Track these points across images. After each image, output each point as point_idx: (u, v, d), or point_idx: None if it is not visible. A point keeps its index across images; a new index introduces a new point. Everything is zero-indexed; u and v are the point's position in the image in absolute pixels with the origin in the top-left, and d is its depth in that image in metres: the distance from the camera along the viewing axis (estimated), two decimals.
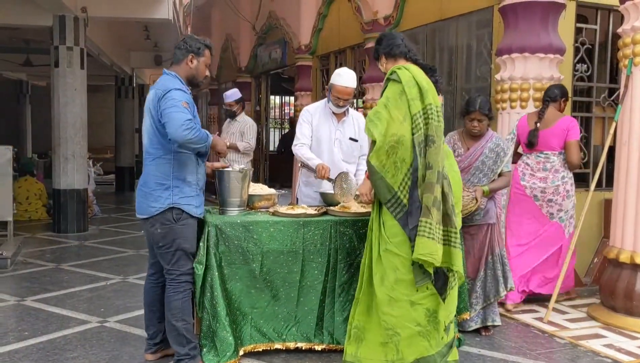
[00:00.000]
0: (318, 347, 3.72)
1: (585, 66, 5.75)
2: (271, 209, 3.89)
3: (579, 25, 5.69)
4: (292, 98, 13.58)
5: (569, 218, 4.92)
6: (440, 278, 3.18)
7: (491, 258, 4.20)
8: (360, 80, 8.53)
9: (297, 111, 10.28)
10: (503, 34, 5.47)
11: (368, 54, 7.94)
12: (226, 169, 3.79)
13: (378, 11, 7.80)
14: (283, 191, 4.40)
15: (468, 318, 4.11)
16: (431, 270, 3.11)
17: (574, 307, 4.96)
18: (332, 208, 3.91)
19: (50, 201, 9.30)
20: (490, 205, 4.19)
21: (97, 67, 13.01)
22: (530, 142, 4.87)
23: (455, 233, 3.21)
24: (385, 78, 3.34)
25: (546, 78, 5.22)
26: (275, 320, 3.69)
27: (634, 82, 4.48)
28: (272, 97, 15.25)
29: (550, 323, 4.54)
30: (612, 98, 5.92)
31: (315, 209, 3.89)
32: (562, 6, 5.26)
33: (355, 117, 4.50)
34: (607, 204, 5.54)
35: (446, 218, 3.17)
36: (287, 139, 10.85)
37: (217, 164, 3.79)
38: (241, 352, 3.61)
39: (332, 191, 4.13)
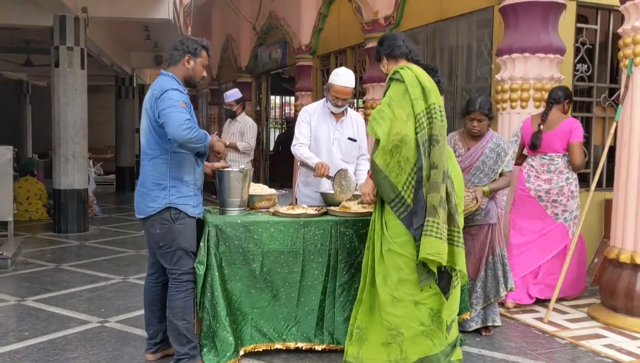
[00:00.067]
0: (318, 347, 3.72)
1: (586, 66, 5.76)
2: (271, 210, 3.89)
3: (579, 25, 5.70)
4: (293, 98, 13.58)
5: (573, 218, 4.93)
6: (444, 278, 3.17)
7: (492, 258, 4.20)
8: (360, 80, 8.54)
9: (298, 111, 10.28)
10: (503, 34, 5.47)
11: (368, 54, 7.94)
12: (226, 169, 3.78)
13: (378, 11, 7.80)
14: (283, 191, 4.40)
15: (468, 318, 4.11)
16: (435, 269, 3.11)
17: (575, 307, 4.96)
18: (332, 208, 3.91)
19: (51, 201, 9.30)
20: (491, 205, 4.19)
21: (98, 67, 13.02)
22: (533, 144, 4.89)
23: (459, 232, 3.22)
24: (387, 78, 3.34)
25: (546, 78, 5.22)
26: (275, 320, 3.69)
27: (634, 82, 4.47)
28: (272, 97, 15.26)
29: (551, 323, 4.54)
30: (612, 98, 5.92)
31: (316, 210, 3.89)
32: (563, 6, 5.27)
33: (354, 117, 4.50)
34: (608, 205, 5.55)
35: (449, 218, 3.18)
36: (284, 138, 10.84)
37: (217, 165, 3.79)
38: (241, 352, 3.61)
39: (332, 191, 4.14)
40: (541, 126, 4.86)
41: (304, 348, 3.72)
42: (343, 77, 4.23)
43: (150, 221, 3.41)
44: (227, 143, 6.33)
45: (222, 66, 15.83)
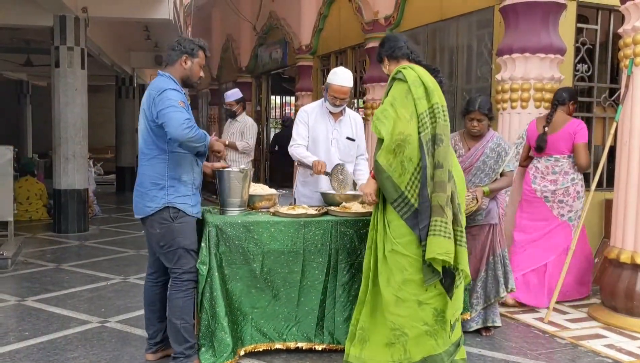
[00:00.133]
0: (318, 347, 3.72)
1: (586, 66, 5.75)
2: (272, 210, 3.89)
3: (579, 25, 5.70)
4: (293, 98, 13.58)
5: (577, 218, 4.96)
6: (447, 277, 3.17)
7: (492, 258, 4.20)
8: (361, 80, 8.54)
9: (298, 111, 10.29)
10: (504, 34, 5.47)
11: (369, 54, 7.94)
12: (226, 169, 3.78)
13: (379, 11, 7.80)
14: (283, 191, 4.40)
15: (469, 318, 4.11)
16: (440, 269, 3.10)
17: (575, 307, 4.96)
18: (332, 208, 3.91)
19: (51, 201, 9.30)
20: (492, 205, 4.19)
21: (98, 67, 13.02)
22: (539, 147, 4.93)
23: (462, 232, 3.22)
24: (390, 78, 3.34)
25: (547, 78, 5.22)
26: (275, 319, 3.69)
27: (634, 82, 4.47)
28: (272, 97, 15.26)
29: (551, 323, 4.54)
30: (612, 98, 5.92)
31: (316, 210, 3.89)
32: (563, 6, 5.26)
33: (352, 116, 4.50)
34: (608, 205, 5.55)
35: (453, 217, 3.18)
36: (280, 137, 10.83)
37: (217, 165, 3.79)
38: (242, 352, 3.61)
39: (332, 191, 4.15)
40: (546, 128, 4.88)
41: (304, 348, 3.72)
42: (341, 76, 4.23)
43: (149, 220, 3.42)
44: (227, 143, 6.33)
45: (222, 66, 15.84)
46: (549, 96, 5.23)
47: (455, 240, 3.18)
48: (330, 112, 4.39)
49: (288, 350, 3.73)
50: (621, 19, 4.75)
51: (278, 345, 3.70)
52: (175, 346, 3.44)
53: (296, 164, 4.44)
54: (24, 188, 9.53)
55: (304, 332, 3.72)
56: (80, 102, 8.57)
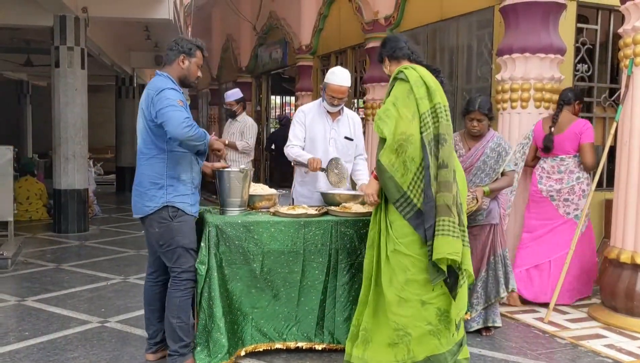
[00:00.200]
0: (318, 347, 3.72)
1: (586, 66, 5.75)
2: (272, 210, 3.89)
3: (579, 25, 5.69)
4: (293, 98, 13.58)
5: (584, 215, 4.96)
6: (451, 276, 3.17)
7: (493, 258, 4.20)
8: (361, 80, 8.54)
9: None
10: (504, 34, 5.46)
11: (369, 54, 7.94)
12: (226, 169, 3.78)
13: (379, 11, 7.80)
14: (283, 191, 4.41)
15: (469, 318, 4.11)
16: (445, 268, 3.10)
17: (575, 307, 4.96)
18: (332, 208, 3.91)
19: (51, 201, 9.30)
20: (493, 205, 4.19)
21: (98, 67, 13.02)
22: (546, 147, 4.96)
23: (464, 231, 3.22)
24: (391, 78, 3.34)
25: (547, 78, 5.22)
26: (275, 319, 3.69)
27: (634, 82, 4.47)
28: (272, 97, 15.25)
29: (551, 323, 4.54)
30: (612, 98, 5.92)
31: (316, 210, 3.89)
32: (563, 6, 5.26)
33: (350, 116, 4.50)
34: (608, 205, 5.55)
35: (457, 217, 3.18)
36: (276, 136, 10.81)
37: (217, 165, 3.79)
38: (242, 352, 3.61)
39: (332, 191, 4.15)
40: (552, 129, 4.90)
41: (304, 348, 3.72)
42: (339, 76, 4.24)
43: (148, 220, 3.43)
44: (227, 142, 6.33)
45: (222, 66, 15.84)
46: (549, 96, 5.24)
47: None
48: (328, 111, 4.39)
49: (288, 350, 3.74)
50: (621, 19, 4.75)
51: (278, 345, 3.70)
52: (170, 344, 3.47)
53: (292, 164, 4.44)
54: (24, 188, 9.53)
55: (304, 332, 3.72)
56: (80, 102, 8.57)
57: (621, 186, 4.58)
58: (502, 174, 4.22)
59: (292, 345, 3.71)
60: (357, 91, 9.27)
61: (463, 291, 3.27)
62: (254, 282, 3.62)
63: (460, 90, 6.62)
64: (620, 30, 4.63)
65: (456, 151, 4.18)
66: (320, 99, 4.44)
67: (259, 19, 12.50)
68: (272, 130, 14.07)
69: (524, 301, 4.96)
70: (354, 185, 4.64)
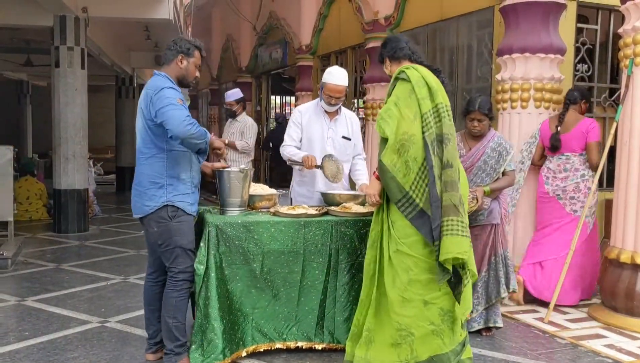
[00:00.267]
0: (318, 346, 3.73)
1: (586, 66, 5.75)
2: (272, 210, 3.89)
3: (579, 25, 5.69)
4: (293, 98, 13.58)
5: (591, 214, 5.01)
6: (454, 276, 3.17)
7: (494, 258, 4.20)
8: (361, 80, 8.54)
9: None
10: (504, 34, 5.47)
11: (369, 54, 7.94)
12: (226, 169, 3.79)
13: (379, 11, 7.80)
14: (283, 191, 4.41)
15: (470, 318, 4.10)
16: (450, 267, 3.09)
17: (575, 307, 4.96)
18: (333, 208, 3.91)
19: (51, 201, 9.30)
20: (494, 205, 4.19)
21: (98, 67, 13.01)
22: (553, 146, 4.99)
23: (468, 231, 3.22)
24: (393, 78, 3.34)
25: (547, 78, 5.22)
26: (276, 319, 3.69)
27: (634, 82, 4.47)
28: (272, 97, 15.25)
29: (551, 323, 4.54)
30: (612, 98, 5.92)
31: (316, 210, 3.89)
32: (563, 6, 5.26)
33: (348, 116, 4.49)
34: (608, 205, 5.54)
35: None
36: (274, 135, 10.79)
37: (217, 165, 3.79)
38: (244, 353, 3.62)
39: (332, 191, 4.15)
40: (559, 128, 4.92)
41: (304, 348, 3.72)
42: (336, 75, 4.24)
43: (147, 219, 3.43)
44: (227, 142, 6.33)
45: (222, 66, 15.83)
46: (549, 96, 5.24)
47: None
48: (325, 111, 4.39)
49: (288, 350, 3.74)
50: (621, 19, 4.75)
51: (278, 345, 3.70)
52: (167, 343, 3.48)
53: (288, 163, 4.44)
54: (24, 188, 9.53)
55: (304, 332, 3.72)
56: (80, 102, 8.57)
57: (621, 186, 4.58)
58: (503, 174, 4.22)
59: (292, 345, 3.71)
60: (357, 91, 9.27)
61: (467, 290, 3.27)
62: (254, 282, 3.62)
63: (461, 90, 6.62)
64: (620, 30, 4.63)
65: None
66: (318, 98, 4.44)
67: (259, 19, 12.50)
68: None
69: (528, 300, 4.96)
70: (353, 185, 4.64)
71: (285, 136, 4.46)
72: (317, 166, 4.20)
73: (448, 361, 3.20)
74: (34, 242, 7.74)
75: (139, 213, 3.46)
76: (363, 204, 3.95)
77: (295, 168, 4.48)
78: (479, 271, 4.18)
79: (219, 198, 3.81)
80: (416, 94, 3.17)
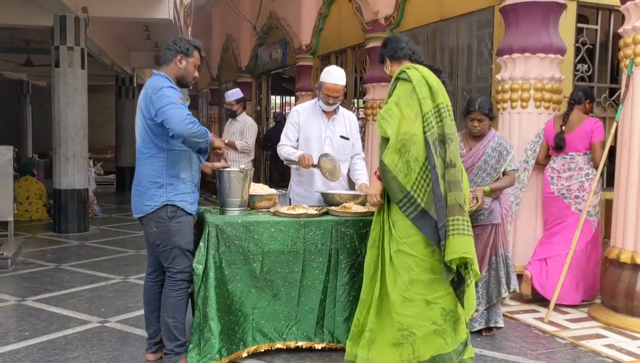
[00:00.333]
0: (318, 346, 3.73)
1: (586, 66, 5.75)
2: (272, 210, 3.89)
3: (579, 25, 5.70)
4: (293, 98, 13.58)
5: (596, 213, 5.02)
6: (457, 275, 3.17)
7: (495, 258, 4.20)
8: (361, 80, 8.54)
9: None
10: (504, 34, 5.46)
11: (369, 54, 7.94)
12: (226, 169, 3.79)
13: (379, 11, 7.80)
14: (283, 191, 4.41)
15: (471, 318, 4.10)
16: (455, 267, 3.09)
17: (575, 307, 4.96)
18: (333, 208, 3.91)
19: (51, 201, 9.29)
20: (495, 205, 4.19)
21: (98, 67, 13.01)
22: (557, 145, 5.01)
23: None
24: (393, 78, 3.34)
25: (547, 78, 5.22)
26: (276, 319, 3.69)
27: (634, 82, 4.47)
28: (272, 97, 15.25)
29: (551, 323, 4.54)
30: (612, 98, 5.92)
31: (316, 210, 3.89)
32: (563, 6, 5.26)
33: (346, 115, 4.49)
34: (608, 205, 5.54)
35: None
36: (273, 134, 10.79)
37: (217, 165, 3.79)
38: (244, 354, 3.62)
39: (332, 191, 4.14)
40: (563, 127, 4.93)
41: (304, 347, 3.72)
42: (334, 75, 4.24)
43: (147, 219, 3.43)
44: (227, 142, 6.33)
45: (222, 66, 15.83)
46: (549, 96, 5.24)
47: None
48: (323, 111, 4.39)
49: (288, 350, 3.74)
50: (621, 19, 4.75)
51: (278, 345, 3.70)
52: (166, 343, 3.49)
53: (285, 163, 4.44)
54: (24, 188, 9.53)
55: (304, 331, 3.72)
56: (80, 102, 8.57)
57: (621, 186, 4.59)
58: (504, 173, 4.22)
59: (292, 344, 3.71)
60: (357, 91, 9.27)
61: (471, 290, 3.27)
62: (254, 282, 3.62)
63: (461, 90, 6.62)
64: (620, 30, 4.63)
65: None
66: (316, 98, 4.44)
67: (259, 19, 12.50)
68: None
69: (530, 300, 4.97)
70: (352, 185, 4.64)
71: (282, 136, 4.46)
72: (313, 165, 4.20)
73: (450, 361, 3.20)
74: (34, 242, 7.74)
75: (139, 212, 3.46)
76: (363, 204, 3.95)
77: (293, 167, 4.47)
78: (480, 271, 4.18)
79: (219, 198, 3.81)
80: (417, 94, 3.17)
